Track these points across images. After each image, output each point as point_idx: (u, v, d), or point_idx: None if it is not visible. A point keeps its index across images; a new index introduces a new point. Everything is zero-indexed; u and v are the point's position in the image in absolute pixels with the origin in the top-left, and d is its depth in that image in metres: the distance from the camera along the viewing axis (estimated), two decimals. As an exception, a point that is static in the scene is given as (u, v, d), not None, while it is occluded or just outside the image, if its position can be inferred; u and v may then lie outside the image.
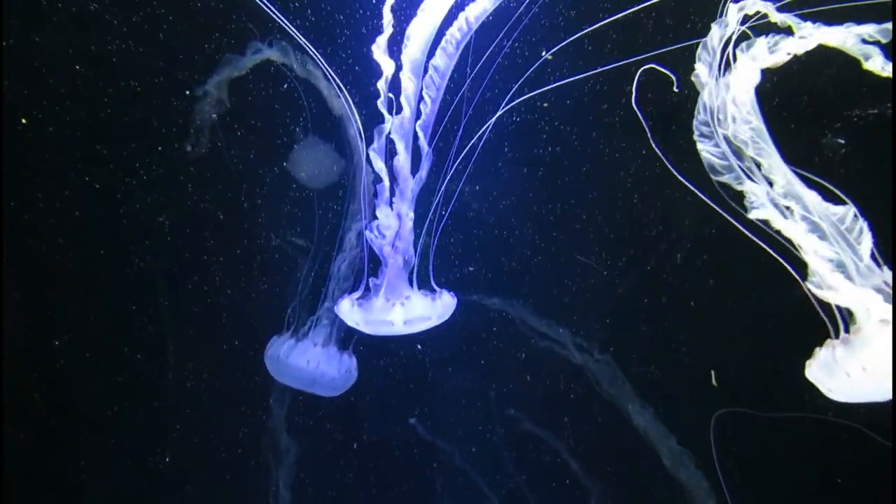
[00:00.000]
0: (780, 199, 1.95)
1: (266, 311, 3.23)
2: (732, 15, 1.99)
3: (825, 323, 2.06)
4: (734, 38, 2.06)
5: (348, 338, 3.12)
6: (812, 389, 2.59)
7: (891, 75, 1.76)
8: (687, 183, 2.19)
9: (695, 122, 2.07)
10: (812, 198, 1.92)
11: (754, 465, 3.25)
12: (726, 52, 2.05)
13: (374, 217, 2.52)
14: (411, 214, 2.52)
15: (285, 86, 2.95)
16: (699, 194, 2.14)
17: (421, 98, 2.34)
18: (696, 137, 2.06)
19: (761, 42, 1.97)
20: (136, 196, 3.08)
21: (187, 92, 2.94)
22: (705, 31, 2.15)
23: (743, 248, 2.92)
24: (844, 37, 1.81)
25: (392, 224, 2.49)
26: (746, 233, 2.07)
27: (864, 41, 1.78)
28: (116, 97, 2.93)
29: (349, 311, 2.62)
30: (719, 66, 2.08)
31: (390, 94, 2.34)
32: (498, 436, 3.48)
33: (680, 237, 3.12)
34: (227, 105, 2.95)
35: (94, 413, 3.34)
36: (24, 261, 3.08)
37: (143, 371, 3.33)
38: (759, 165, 2.01)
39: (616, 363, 3.30)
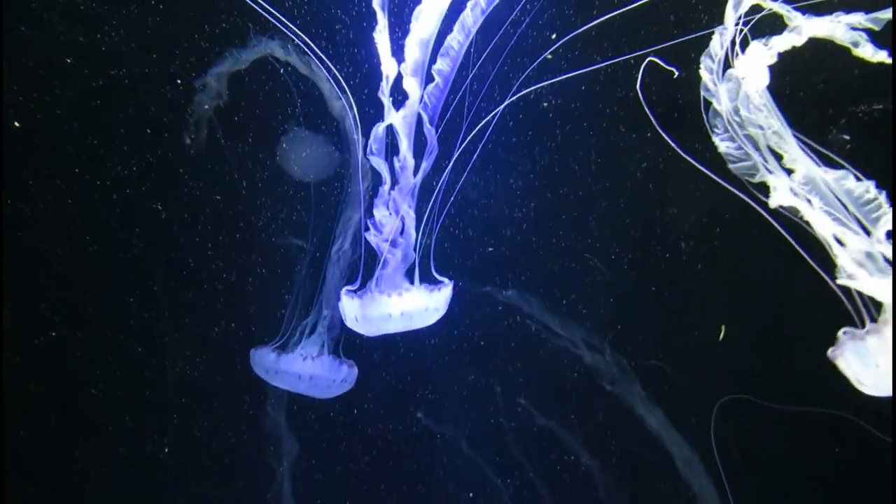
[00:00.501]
0: (802, 190, 2.01)
1: (264, 296, 3.28)
2: (730, 17, 2.07)
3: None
4: (738, 40, 2.13)
5: (345, 342, 3.15)
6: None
7: (883, 61, 1.85)
8: (703, 168, 2.27)
9: (711, 128, 2.16)
10: (834, 177, 1.97)
11: (756, 455, 3.31)
12: (734, 53, 2.13)
13: (372, 216, 2.56)
14: (411, 213, 2.58)
15: (282, 70, 3.00)
16: (718, 180, 2.21)
17: (425, 86, 2.39)
18: (716, 141, 2.14)
19: (755, 44, 2.05)
20: (130, 185, 3.13)
21: (178, 81, 2.99)
22: (712, 19, 2.27)
23: (753, 238, 3.04)
24: (833, 27, 1.90)
25: (391, 222, 2.54)
26: (770, 219, 2.13)
27: (853, 28, 1.87)
28: (108, 89, 3.00)
29: (347, 304, 2.66)
30: (723, 70, 2.16)
31: (391, 98, 2.38)
32: (507, 427, 3.53)
33: (689, 229, 3.21)
34: (226, 98, 3.01)
35: (92, 407, 3.37)
36: (19, 254, 3.11)
37: (141, 361, 3.36)
38: (779, 157, 2.09)
39: (624, 357, 3.37)
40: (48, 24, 2.87)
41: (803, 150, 2.10)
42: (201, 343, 3.37)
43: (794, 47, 2.08)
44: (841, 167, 2.03)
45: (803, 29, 1.97)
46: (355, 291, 2.62)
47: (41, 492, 3.43)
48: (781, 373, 3.24)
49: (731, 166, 2.16)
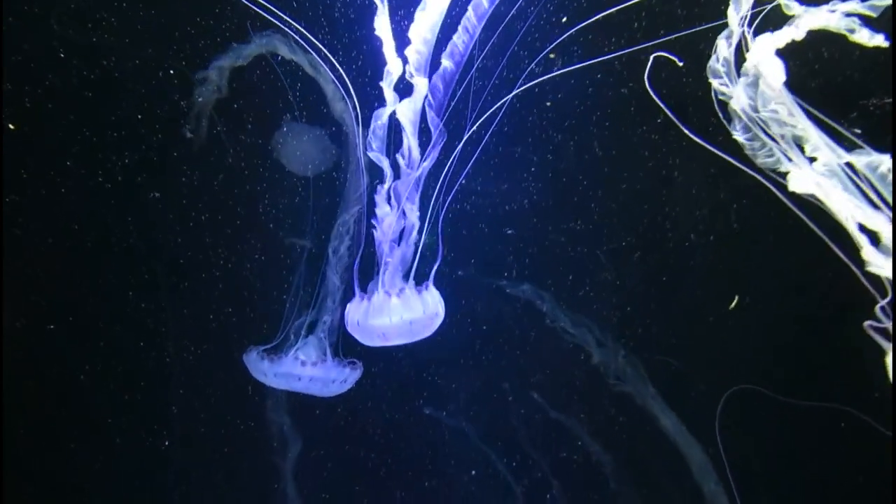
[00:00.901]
0: (825, 177, 2.05)
1: (264, 284, 3.32)
2: (733, 19, 2.14)
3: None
4: (749, 34, 2.19)
5: (341, 344, 3.20)
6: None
7: (880, 45, 1.91)
8: (725, 155, 2.30)
9: (730, 125, 2.22)
10: (867, 161, 2.01)
11: (761, 447, 3.38)
12: (745, 48, 2.19)
13: (374, 213, 2.61)
14: (414, 209, 2.64)
15: (277, 62, 3.04)
16: (741, 166, 2.25)
17: (430, 77, 2.42)
18: (737, 138, 2.20)
19: (759, 42, 2.12)
20: (128, 177, 3.17)
21: (171, 72, 3.05)
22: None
23: (768, 229, 3.07)
24: (829, 16, 1.97)
25: (391, 218, 2.60)
26: (791, 206, 2.18)
27: (848, 14, 1.94)
28: (105, 81, 3.05)
29: (352, 310, 2.73)
30: (737, 71, 2.22)
31: (394, 91, 2.44)
32: (516, 420, 3.58)
33: (701, 219, 3.27)
34: (225, 91, 3.07)
35: (92, 401, 3.42)
36: (16, 249, 3.16)
37: (140, 354, 3.40)
38: (801, 148, 2.14)
39: (635, 352, 3.43)
40: (43, 18, 2.93)
41: (825, 140, 2.14)
42: (201, 334, 3.42)
43: (800, 40, 2.14)
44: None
45: (801, 21, 2.04)
46: (362, 293, 2.70)
47: (41, 490, 3.48)
48: (796, 366, 3.30)
49: (756, 162, 2.22)
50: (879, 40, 1.93)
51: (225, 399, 3.50)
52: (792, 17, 2.11)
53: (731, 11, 2.15)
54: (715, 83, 2.19)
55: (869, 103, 2.85)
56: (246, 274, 3.35)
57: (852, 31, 1.96)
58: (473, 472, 3.65)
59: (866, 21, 1.98)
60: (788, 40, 2.11)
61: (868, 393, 2.97)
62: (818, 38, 2.28)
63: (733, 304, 3.23)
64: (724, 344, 3.37)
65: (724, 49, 2.18)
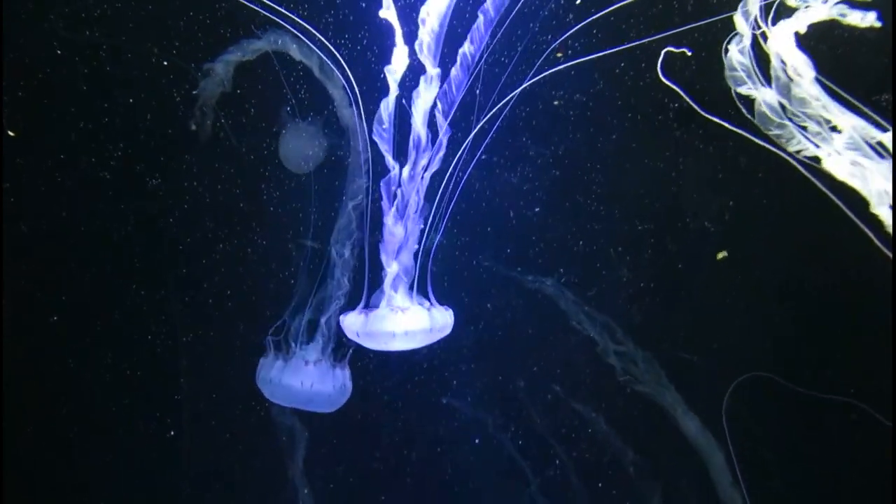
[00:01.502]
0: (860, 160, 2.11)
1: (266, 267, 3.39)
2: (742, 25, 2.23)
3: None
4: (767, 30, 2.27)
5: (341, 350, 3.28)
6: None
7: (873, 24, 2.00)
8: (750, 135, 2.37)
9: (769, 127, 2.29)
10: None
11: (767, 438, 3.45)
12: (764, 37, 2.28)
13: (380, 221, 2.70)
14: (420, 207, 2.72)
15: (275, 61, 3.14)
16: (768, 146, 2.32)
17: (440, 62, 2.51)
18: (774, 136, 2.27)
19: (780, 34, 2.22)
20: (127, 163, 3.24)
21: (164, 63, 3.13)
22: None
23: (783, 224, 3.16)
24: (822, 9, 2.06)
25: (398, 232, 2.68)
26: (820, 185, 2.23)
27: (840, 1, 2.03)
28: (100, 75, 3.14)
29: (351, 321, 2.81)
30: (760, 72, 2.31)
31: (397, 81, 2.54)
32: (535, 413, 3.65)
33: (717, 212, 3.35)
34: (228, 86, 3.16)
35: (93, 394, 3.48)
36: (16, 246, 3.23)
37: (140, 344, 3.45)
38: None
39: (651, 347, 3.49)
40: (42, 13, 3.02)
41: (858, 122, 2.22)
42: (202, 322, 3.47)
43: (811, 36, 2.25)
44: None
45: (801, 14, 2.13)
46: (364, 305, 2.77)
47: (41, 489, 3.53)
48: (813, 362, 3.36)
49: (790, 149, 2.29)
50: (871, 19, 2.01)
51: (229, 387, 3.53)
52: (795, 8, 2.20)
53: (737, 17, 2.25)
54: (741, 90, 2.27)
55: (881, 98, 2.90)
56: (247, 260, 3.40)
57: (844, 15, 2.04)
58: (490, 465, 3.72)
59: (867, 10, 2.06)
60: (792, 33, 2.20)
61: (874, 384, 3.03)
62: (825, 35, 2.37)
63: (721, 255, 3.27)
64: (738, 334, 3.44)
65: (735, 54, 2.26)
